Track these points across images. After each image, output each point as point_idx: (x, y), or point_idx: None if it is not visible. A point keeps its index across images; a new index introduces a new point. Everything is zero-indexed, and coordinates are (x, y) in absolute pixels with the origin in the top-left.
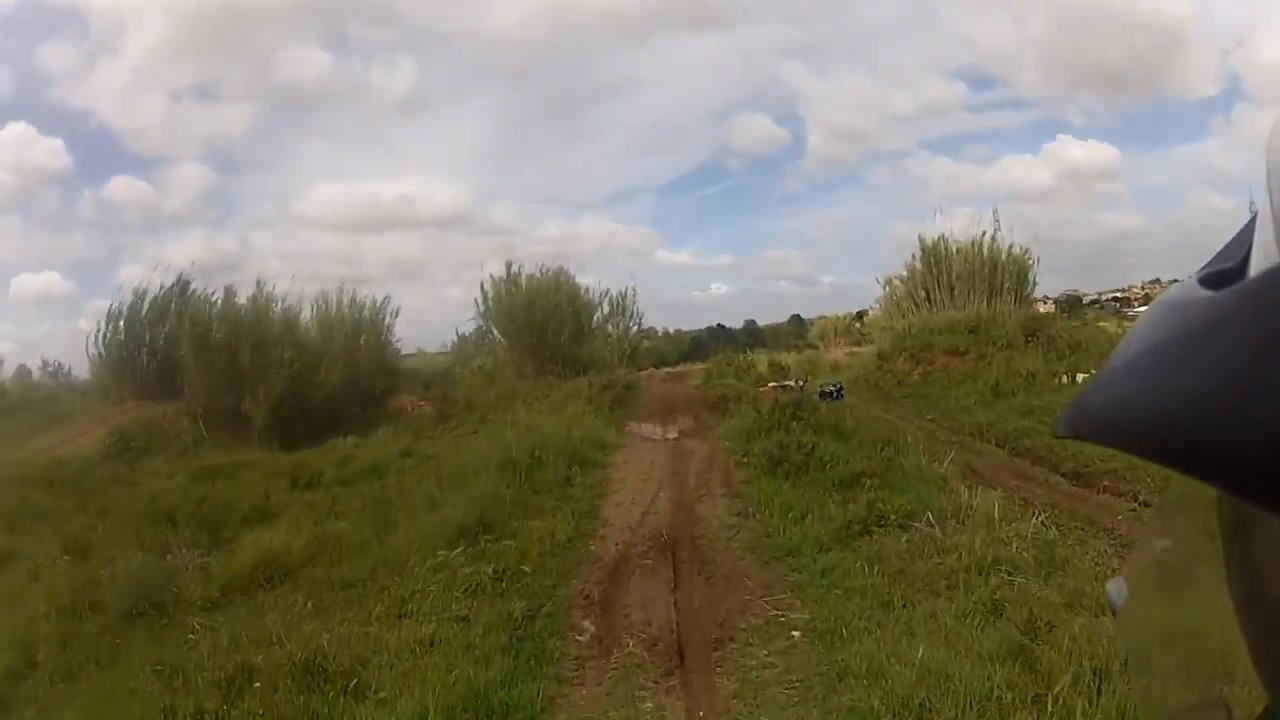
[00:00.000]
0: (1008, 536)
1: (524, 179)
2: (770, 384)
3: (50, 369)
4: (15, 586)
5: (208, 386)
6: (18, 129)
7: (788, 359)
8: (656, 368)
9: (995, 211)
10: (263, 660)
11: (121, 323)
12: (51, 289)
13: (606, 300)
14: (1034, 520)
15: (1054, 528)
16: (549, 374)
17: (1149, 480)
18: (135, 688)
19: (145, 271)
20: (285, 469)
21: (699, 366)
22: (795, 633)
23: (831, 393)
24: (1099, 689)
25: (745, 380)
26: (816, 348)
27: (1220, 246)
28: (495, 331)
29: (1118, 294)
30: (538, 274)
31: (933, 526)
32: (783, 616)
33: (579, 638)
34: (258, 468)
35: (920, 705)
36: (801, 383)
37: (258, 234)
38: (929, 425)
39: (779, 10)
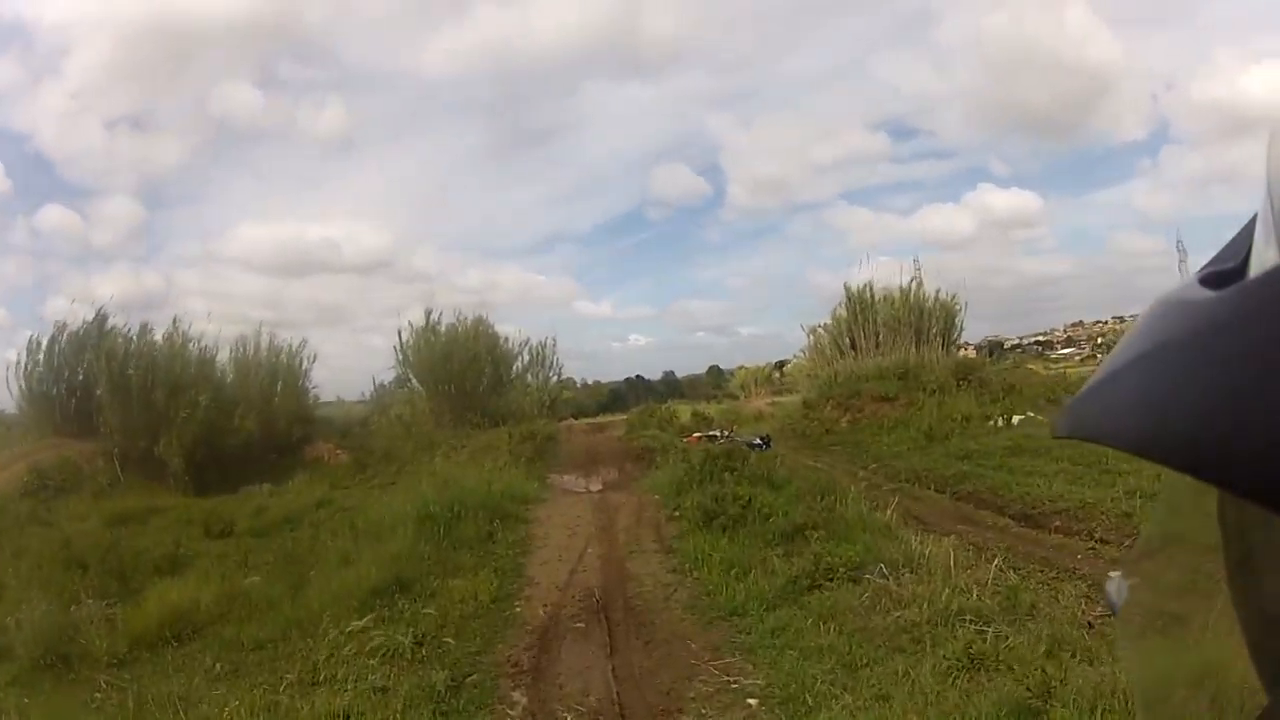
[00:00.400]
0: (967, 584)
1: (448, 225)
2: (695, 434)
3: None
4: None
5: (123, 427)
6: None
7: (710, 409)
8: (575, 419)
9: (916, 260)
10: None
11: (41, 356)
12: None
13: (526, 350)
14: (992, 566)
15: (1012, 572)
16: (468, 424)
17: (1103, 517)
18: None
19: (77, 304)
20: (198, 517)
21: (619, 417)
22: (752, 700)
23: (760, 444)
24: None
25: (669, 431)
26: (737, 398)
27: (1143, 285)
28: (414, 380)
29: (1040, 337)
30: (457, 322)
31: (886, 578)
32: (735, 683)
33: (509, 711)
34: (170, 514)
35: None
36: (728, 433)
37: (182, 272)
38: (865, 473)
39: (707, 60)
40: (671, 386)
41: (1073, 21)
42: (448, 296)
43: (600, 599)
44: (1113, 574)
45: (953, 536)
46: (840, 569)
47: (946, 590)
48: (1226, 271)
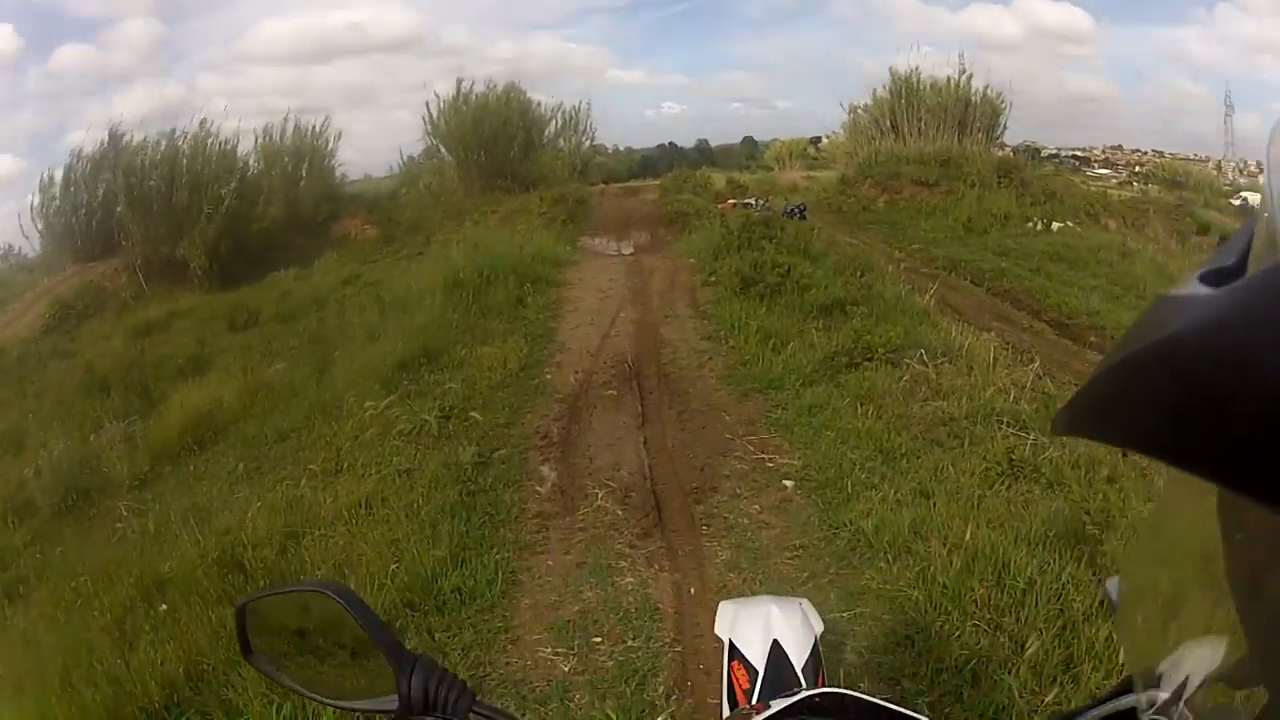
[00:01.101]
0: (1004, 384)
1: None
2: (730, 200)
3: (1, 253)
4: None
5: (145, 236)
6: None
7: (744, 178)
8: (607, 184)
9: (961, 55)
10: (173, 567)
11: (56, 189)
12: (7, 172)
13: (558, 115)
14: (1029, 369)
15: (1049, 379)
16: (498, 190)
17: None
18: (54, 615)
19: (100, 133)
20: (223, 312)
21: (651, 183)
22: (788, 482)
23: (795, 212)
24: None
25: (703, 197)
26: (771, 169)
27: (1183, 124)
28: (443, 149)
29: (1077, 152)
30: (488, 90)
31: (925, 364)
32: (770, 461)
33: (538, 489)
34: (193, 315)
35: (978, 602)
36: (763, 201)
37: (203, 77)
38: (901, 255)
39: None
40: (705, 154)
41: None
42: (479, 69)
43: (633, 366)
44: (1111, 578)
45: (990, 333)
46: (879, 349)
47: (988, 388)
48: (1226, 269)
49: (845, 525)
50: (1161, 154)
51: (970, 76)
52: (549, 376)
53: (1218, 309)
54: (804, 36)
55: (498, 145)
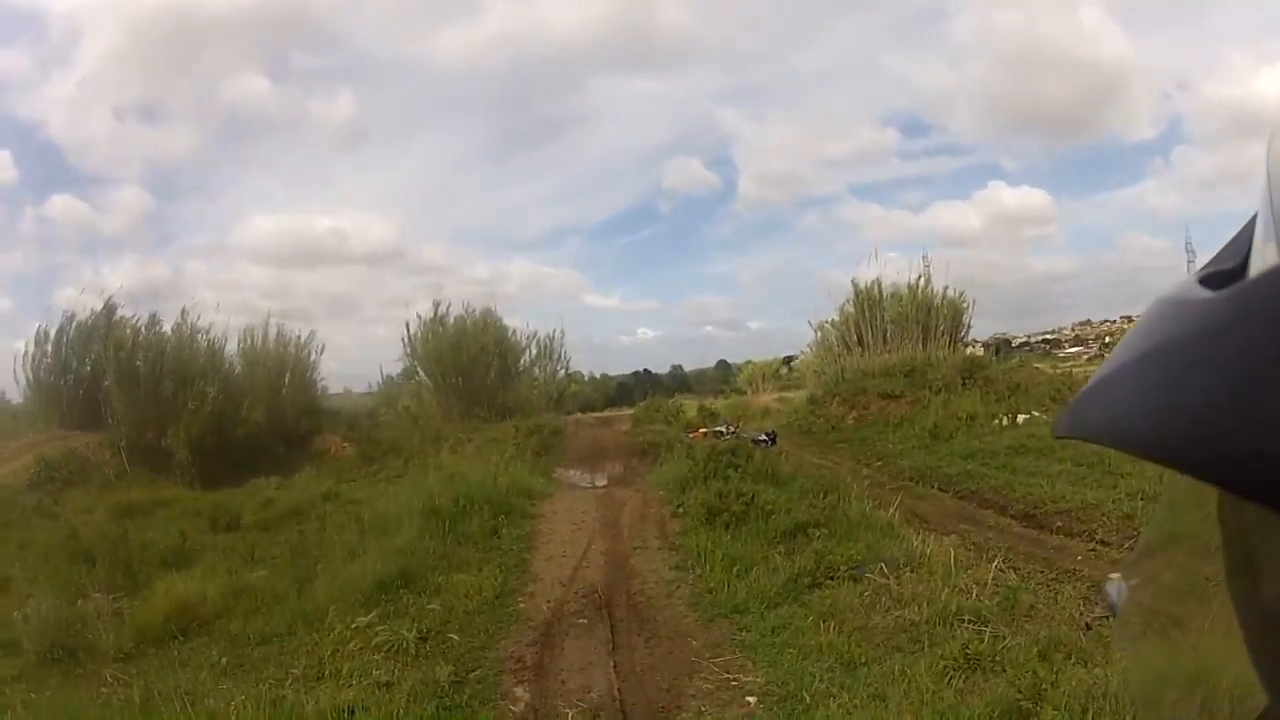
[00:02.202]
0: (966, 585)
1: (456, 217)
2: (700, 430)
3: None
4: None
5: (130, 418)
6: None
7: (716, 404)
8: (583, 412)
9: (925, 256)
10: None
11: (49, 347)
12: None
13: (534, 343)
14: (992, 566)
15: (1012, 572)
16: (475, 417)
17: (1104, 519)
18: None
19: (86, 294)
20: (205, 509)
21: (626, 412)
22: (750, 698)
23: (765, 440)
24: None
25: (675, 426)
26: (744, 393)
27: (1151, 284)
28: (421, 372)
29: (1048, 335)
30: (465, 314)
31: (886, 577)
32: (734, 680)
33: (512, 707)
34: (176, 507)
35: None
36: (733, 429)
37: (192, 262)
38: (869, 471)
39: (718, 55)
40: (679, 380)
41: (1086, 19)
42: (457, 289)
43: (603, 595)
44: (1112, 575)
45: (954, 536)
46: (841, 567)
47: (946, 590)
48: (1226, 271)
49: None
50: (1129, 318)
51: (928, 282)
52: (522, 605)
53: (1218, 312)
54: (773, 253)
55: (475, 371)
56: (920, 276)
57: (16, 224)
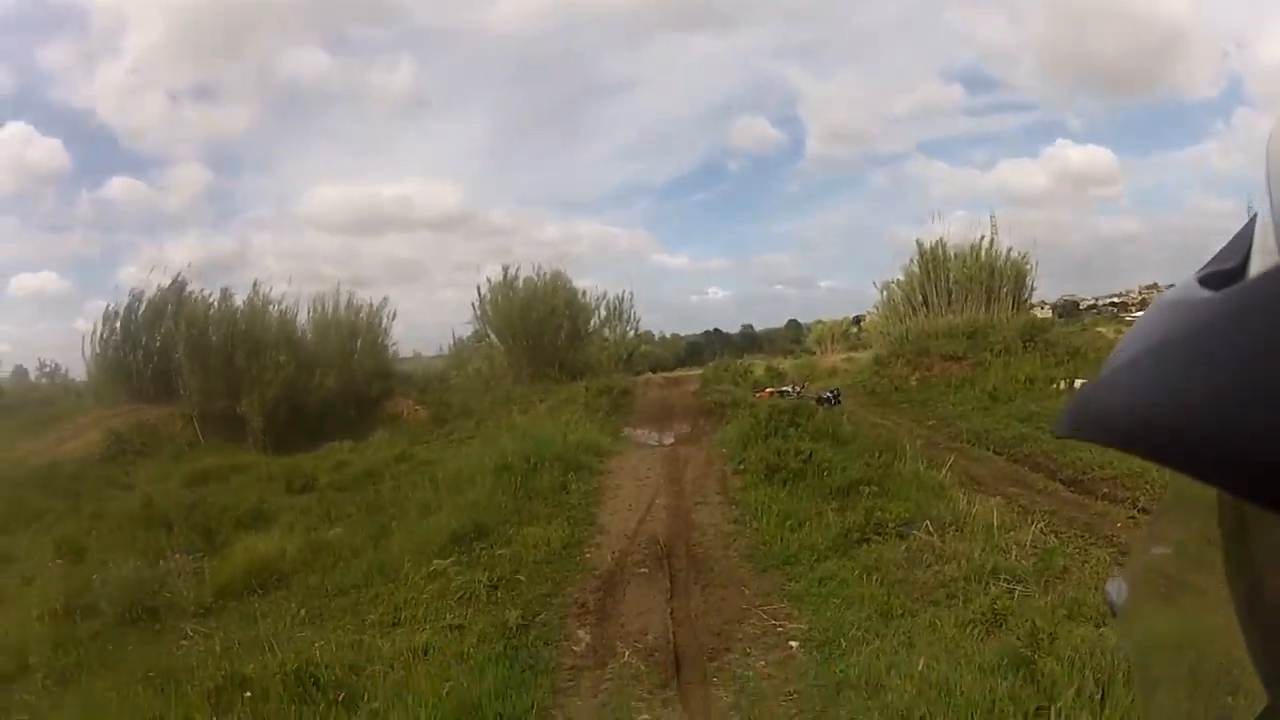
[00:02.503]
0: (1006, 545)
1: (522, 181)
2: (767, 390)
3: (48, 370)
4: (8, 589)
5: (203, 389)
6: (17, 128)
7: (785, 364)
8: (653, 372)
9: (992, 216)
10: (254, 669)
11: (118, 324)
12: (49, 289)
13: (603, 304)
14: (1033, 528)
15: (1053, 536)
16: (545, 378)
17: (1148, 487)
18: (127, 695)
19: (142, 272)
20: (280, 473)
21: (695, 372)
22: (793, 643)
23: (829, 399)
24: (1102, 702)
25: (742, 386)
26: (814, 353)
27: (1217, 247)
28: (492, 334)
29: (1115, 299)
30: (535, 276)
31: (931, 534)
32: (780, 626)
33: (574, 647)
34: (252, 472)
35: (920, 719)
36: (798, 389)
37: (256, 234)
38: (926, 431)
39: (777, 11)
40: (750, 340)
41: None
42: (525, 250)
43: (664, 547)
44: (1112, 581)
45: (1001, 498)
46: (890, 524)
47: (986, 549)
48: (1226, 271)
49: (836, 674)
50: None
51: (993, 241)
52: (588, 555)
53: (1218, 312)
54: (842, 211)
55: (545, 334)
56: (984, 237)
57: (72, 209)
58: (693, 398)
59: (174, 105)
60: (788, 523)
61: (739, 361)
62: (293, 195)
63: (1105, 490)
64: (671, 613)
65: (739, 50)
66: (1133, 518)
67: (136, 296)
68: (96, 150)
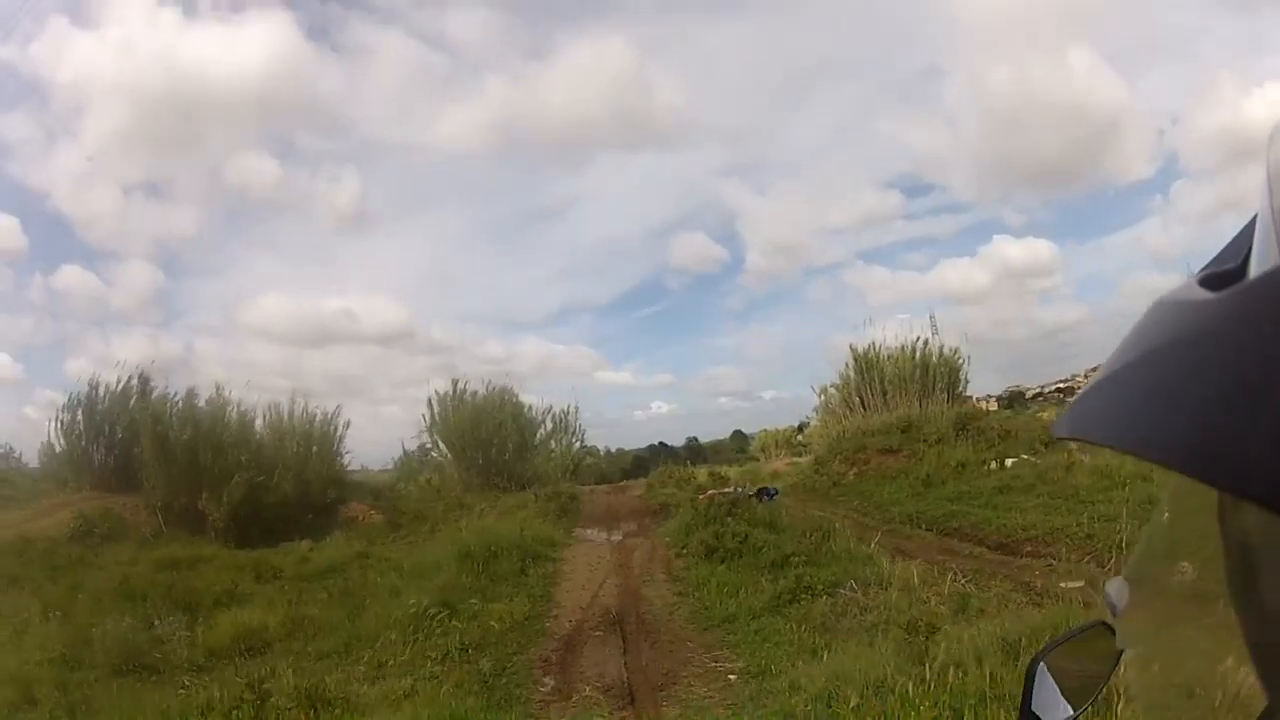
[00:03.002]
0: (927, 596)
1: (464, 298)
2: (710, 491)
3: (1, 451)
4: (4, 639)
5: (167, 482)
6: None
7: (730, 471)
8: (598, 484)
9: (932, 316)
10: (271, 687)
11: (79, 413)
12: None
13: (549, 417)
14: (950, 582)
15: (972, 587)
16: (494, 487)
17: (1068, 540)
18: None
19: (96, 365)
20: (247, 564)
21: (640, 481)
22: (731, 676)
23: (767, 494)
24: (966, 672)
25: (686, 490)
26: (758, 460)
27: None
28: (441, 446)
29: (1060, 384)
30: (484, 391)
31: (855, 592)
32: (720, 666)
33: (541, 689)
34: (217, 561)
35: (829, 695)
36: (742, 488)
37: (201, 339)
38: (861, 517)
39: (717, 130)
40: (695, 452)
41: (1076, 65)
42: (468, 367)
43: (616, 615)
44: (1112, 582)
45: (922, 561)
46: (819, 586)
47: (908, 600)
48: (1226, 273)
49: (765, 689)
50: None
51: (925, 341)
52: (548, 624)
53: (1218, 313)
54: (784, 322)
55: (493, 445)
56: (919, 338)
57: (25, 291)
58: (638, 501)
59: (126, 199)
60: (726, 590)
61: (684, 469)
62: (238, 302)
63: (1028, 549)
64: (625, 663)
65: (678, 169)
66: (1049, 566)
67: (94, 387)
68: (51, 234)
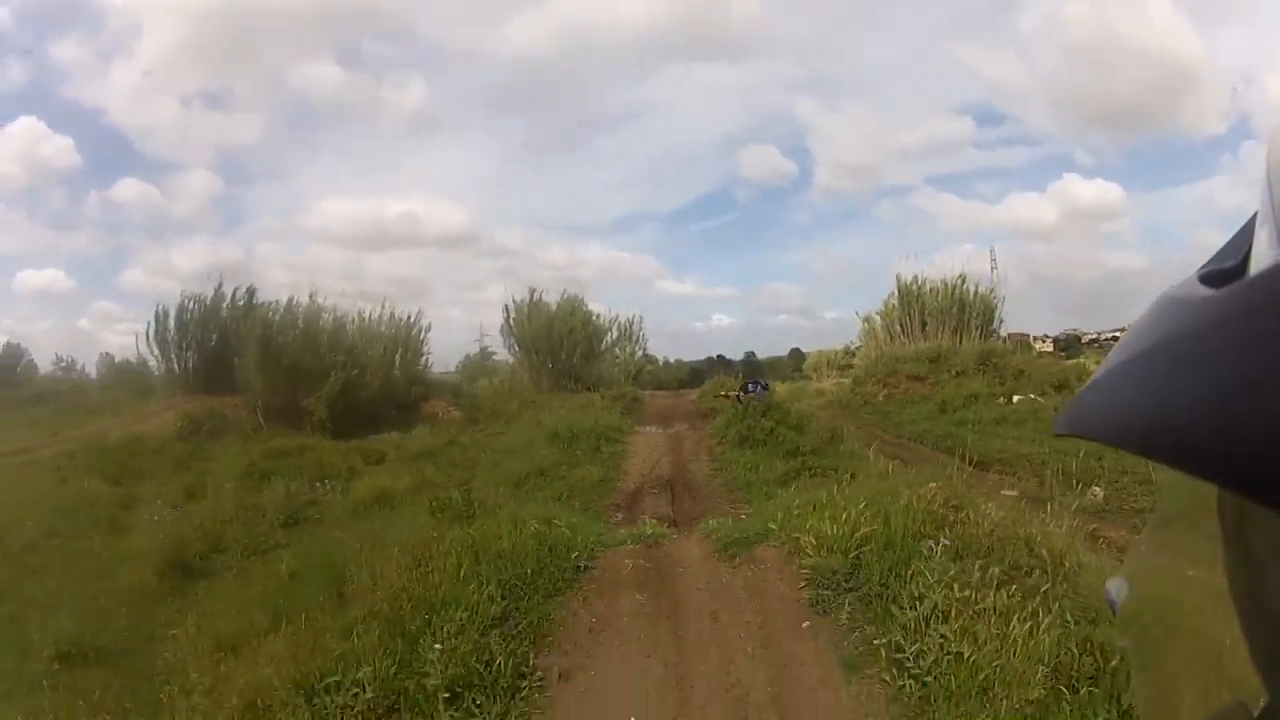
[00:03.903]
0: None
1: (529, 203)
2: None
3: (64, 364)
4: (162, 515)
5: (267, 383)
6: (29, 123)
7: (780, 387)
8: (656, 390)
9: (992, 251)
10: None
11: (171, 323)
12: (54, 286)
13: (615, 326)
14: (910, 469)
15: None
16: (562, 389)
17: (1026, 463)
18: (322, 551)
19: (153, 276)
20: (352, 450)
21: (694, 391)
22: (744, 515)
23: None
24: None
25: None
26: (810, 378)
27: None
28: (517, 348)
29: (1116, 332)
30: (555, 299)
31: (837, 476)
32: (736, 510)
33: (615, 517)
34: (322, 450)
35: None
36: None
37: (262, 244)
38: (878, 431)
39: (789, 44)
40: (752, 366)
41: (1154, 10)
42: (531, 272)
43: (668, 480)
44: (1113, 579)
45: (898, 462)
46: (816, 469)
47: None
48: (1226, 270)
49: (767, 512)
50: None
51: (964, 278)
52: (618, 484)
53: (1218, 310)
54: (849, 242)
55: (563, 349)
56: (960, 276)
57: (80, 208)
58: (692, 405)
59: (186, 110)
60: (749, 467)
61: (734, 380)
62: (299, 207)
63: (997, 467)
64: (672, 508)
65: (749, 81)
66: (1000, 475)
67: (189, 298)
68: (107, 150)
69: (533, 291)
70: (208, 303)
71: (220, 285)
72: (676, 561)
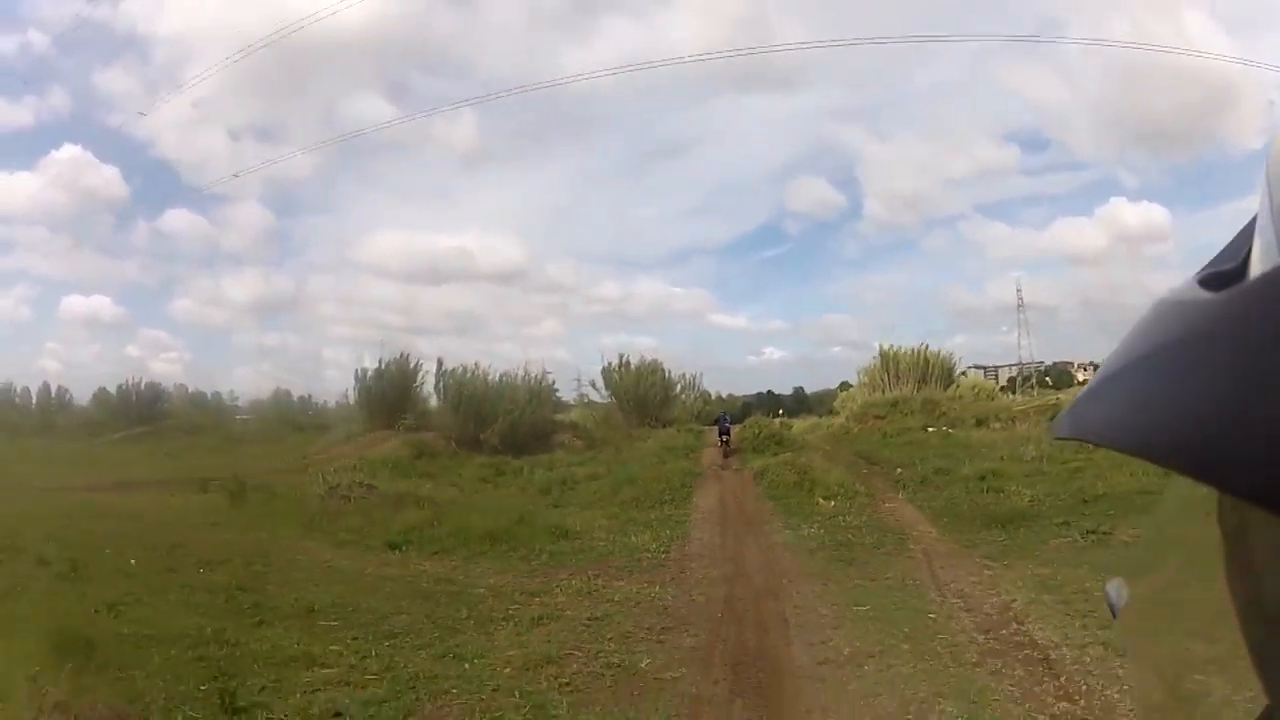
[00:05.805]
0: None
1: (581, 237)
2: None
3: (194, 396)
4: (454, 497)
5: (458, 422)
6: (74, 152)
7: (795, 424)
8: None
9: (1019, 286)
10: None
11: (369, 380)
12: (101, 312)
13: (683, 379)
14: (840, 463)
15: (850, 474)
16: (645, 425)
17: (915, 467)
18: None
19: (203, 305)
20: (535, 464)
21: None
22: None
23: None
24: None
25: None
26: (836, 414)
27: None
28: (613, 396)
29: None
30: (638, 360)
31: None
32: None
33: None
34: (512, 467)
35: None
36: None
37: (315, 277)
38: (840, 449)
39: (836, 74)
40: (800, 402)
41: (1191, 25)
42: (582, 307)
43: (720, 467)
44: (1113, 581)
45: (827, 461)
46: (784, 450)
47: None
48: (1226, 273)
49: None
50: None
51: (925, 347)
52: (698, 470)
53: (1218, 313)
54: (900, 273)
55: (647, 397)
56: (924, 344)
57: (128, 235)
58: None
59: (235, 142)
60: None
61: (766, 418)
62: (351, 239)
63: (898, 471)
64: (722, 461)
65: (798, 111)
66: (893, 473)
67: (387, 362)
68: (154, 181)
69: (621, 357)
70: (406, 365)
71: (405, 355)
72: (719, 478)
